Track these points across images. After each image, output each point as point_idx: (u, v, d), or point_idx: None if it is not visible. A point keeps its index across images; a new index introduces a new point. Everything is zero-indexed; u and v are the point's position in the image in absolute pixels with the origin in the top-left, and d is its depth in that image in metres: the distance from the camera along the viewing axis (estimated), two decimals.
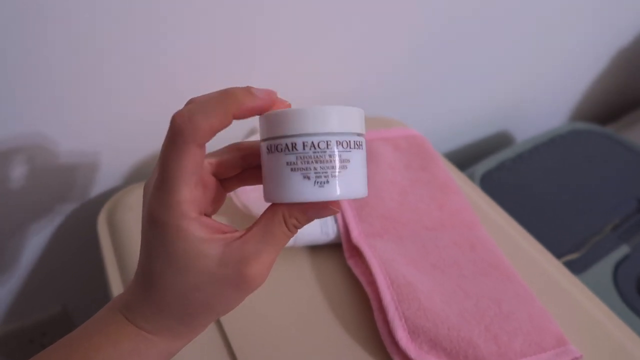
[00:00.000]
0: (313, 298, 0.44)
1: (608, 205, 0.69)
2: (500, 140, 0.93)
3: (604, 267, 0.61)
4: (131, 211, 0.51)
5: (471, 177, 0.72)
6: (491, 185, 0.71)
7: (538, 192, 0.71)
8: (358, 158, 0.25)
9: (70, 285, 0.64)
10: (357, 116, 0.25)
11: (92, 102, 0.48)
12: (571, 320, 0.43)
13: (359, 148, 0.25)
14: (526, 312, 0.41)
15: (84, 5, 0.40)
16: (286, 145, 0.24)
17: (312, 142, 0.24)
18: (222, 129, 0.24)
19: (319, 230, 0.46)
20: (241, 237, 0.26)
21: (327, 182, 0.24)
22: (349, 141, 0.24)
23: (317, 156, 0.24)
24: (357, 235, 0.46)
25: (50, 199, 0.53)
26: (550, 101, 0.96)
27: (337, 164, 0.24)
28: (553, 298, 0.45)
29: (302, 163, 0.24)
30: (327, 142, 0.24)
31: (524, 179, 0.73)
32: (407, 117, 0.69)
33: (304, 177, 0.24)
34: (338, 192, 0.24)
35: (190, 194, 0.25)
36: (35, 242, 0.57)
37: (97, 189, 0.56)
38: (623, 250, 0.63)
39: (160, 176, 0.25)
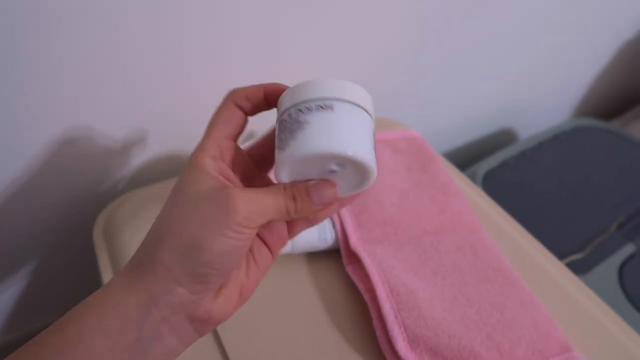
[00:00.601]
0: (311, 305, 0.43)
1: (613, 203, 0.68)
2: (502, 138, 0.92)
3: (609, 266, 0.60)
4: (127, 219, 0.51)
5: (473, 175, 0.71)
6: (494, 183, 0.70)
7: (542, 190, 0.70)
8: (320, 117, 0.27)
9: (69, 294, 0.63)
10: (321, 85, 0.27)
11: (89, 110, 0.47)
12: (575, 325, 0.43)
13: (323, 109, 0.27)
14: (529, 318, 0.40)
15: (90, 4, 0.40)
16: (281, 117, 0.28)
17: (290, 113, 0.27)
18: (255, 99, 0.29)
19: (316, 236, 0.46)
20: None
21: (287, 145, 0.26)
22: (310, 106, 0.27)
23: (285, 126, 0.27)
24: (356, 241, 0.45)
25: (47, 207, 0.53)
26: (553, 97, 0.95)
27: (295, 126, 0.27)
28: (557, 302, 0.44)
29: (280, 132, 0.28)
30: (289, 112, 0.27)
31: (527, 177, 0.72)
32: (407, 117, 0.68)
33: (280, 143, 0.27)
34: (295, 150, 0.26)
35: (220, 138, 0.29)
36: (33, 252, 0.56)
37: (93, 197, 0.55)
38: (629, 249, 0.62)
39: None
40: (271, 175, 0.32)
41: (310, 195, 0.28)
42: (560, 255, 0.53)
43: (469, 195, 0.55)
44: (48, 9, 0.38)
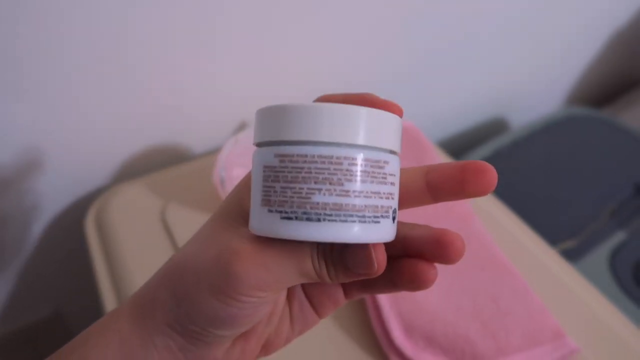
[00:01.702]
0: None
1: (605, 191, 0.68)
2: (495, 127, 0.92)
3: (601, 254, 0.60)
4: (118, 211, 0.50)
5: None
6: None
7: (534, 178, 0.71)
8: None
9: (62, 287, 0.63)
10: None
11: (80, 102, 0.47)
12: (568, 312, 0.43)
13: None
14: (523, 306, 0.40)
15: (80, 4, 0.39)
16: None
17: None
18: None
19: None
20: None
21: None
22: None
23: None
24: None
25: (38, 200, 0.53)
26: (545, 86, 0.95)
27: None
28: (549, 289, 0.45)
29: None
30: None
31: (520, 165, 0.73)
32: (400, 105, 0.68)
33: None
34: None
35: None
36: (25, 245, 0.56)
37: (85, 189, 0.55)
38: (620, 236, 0.62)
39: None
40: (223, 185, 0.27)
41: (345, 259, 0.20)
42: (553, 242, 0.54)
43: None
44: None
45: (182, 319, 0.21)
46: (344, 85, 0.64)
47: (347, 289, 0.24)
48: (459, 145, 0.87)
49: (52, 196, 0.53)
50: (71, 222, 0.55)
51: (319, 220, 0.17)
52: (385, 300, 0.40)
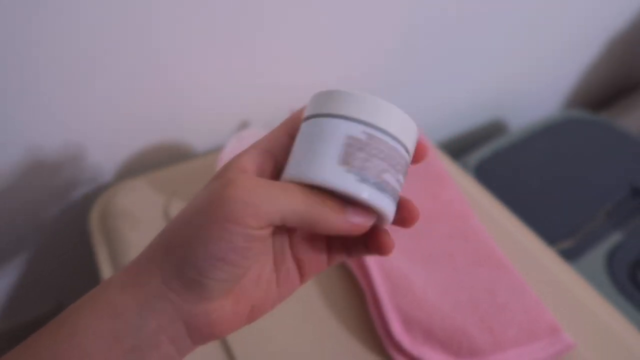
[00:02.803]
0: (307, 290, 0.44)
1: (601, 192, 0.69)
2: (494, 129, 0.93)
3: (598, 254, 0.61)
4: (123, 206, 0.51)
5: (465, 166, 0.72)
6: (485, 174, 0.71)
7: (532, 179, 0.72)
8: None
9: (65, 280, 0.63)
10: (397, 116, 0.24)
11: (84, 99, 0.47)
12: (565, 309, 0.44)
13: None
14: (520, 302, 0.41)
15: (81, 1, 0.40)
16: None
17: (371, 134, 0.23)
18: None
19: None
20: None
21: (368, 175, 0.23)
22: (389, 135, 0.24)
23: (367, 148, 0.24)
24: None
25: (42, 195, 0.53)
26: (544, 89, 0.96)
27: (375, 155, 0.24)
28: (546, 287, 0.45)
29: (355, 149, 0.24)
30: (375, 134, 0.24)
31: (518, 166, 0.73)
32: (401, 107, 0.69)
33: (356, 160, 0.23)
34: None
35: (257, 156, 0.24)
36: (29, 239, 0.56)
37: (89, 185, 0.55)
38: (616, 237, 0.63)
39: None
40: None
41: (345, 209, 0.22)
42: (550, 242, 0.54)
43: (462, 185, 0.55)
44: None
45: (178, 267, 0.22)
46: (343, 84, 0.65)
47: (330, 253, 0.26)
48: (459, 147, 0.88)
49: (56, 192, 0.54)
50: (75, 218, 0.56)
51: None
52: (384, 294, 0.40)
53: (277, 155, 0.25)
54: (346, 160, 0.22)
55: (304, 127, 0.23)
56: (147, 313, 0.22)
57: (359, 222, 0.23)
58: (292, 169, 0.23)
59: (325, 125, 0.23)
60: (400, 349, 0.38)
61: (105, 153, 0.54)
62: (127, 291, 0.22)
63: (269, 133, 0.25)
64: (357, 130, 0.22)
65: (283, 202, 0.21)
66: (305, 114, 0.24)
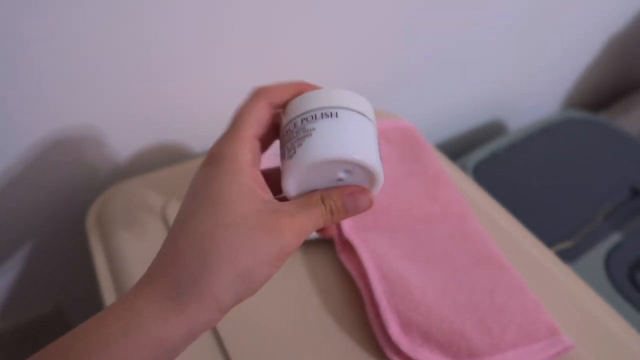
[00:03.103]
0: (305, 292, 0.44)
1: (600, 193, 0.69)
2: (492, 130, 0.93)
3: (597, 255, 0.61)
4: (120, 208, 0.51)
5: (464, 167, 0.72)
6: (484, 175, 0.71)
7: (531, 180, 0.71)
8: (325, 125, 0.27)
9: (63, 283, 0.63)
10: (325, 94, 0.28)
11: (80, 99, 0.47)
12: (564, 310, 0.44)
13: (328, 117, 0.27)
14: (519, 303, 0.41)
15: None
16: (287, 126, 0.28)
17: (295, 123, 0.27)
18: (291, 94, 0.28)
19: None
20: (282, 198, 0.27)
21: (295, 153, 0.26)
22: (315, 114, 0.27)
23: (290, 136, 0.27)
24: (349, 229, 0.46)
25: (40, 196, 0.53)
26: (542, 89, 0.96)
27: (302, 135, 0.26)
28: (545, 289, 0.45)
29: (285, 141, 0.28)
30: (294, 122, 0.27)
31: (517, 167, 0.73)
32: (398, 108, 0.69)
33: (288, 152, 0.27)
34: (302, 158, 0.26)
35: (250, 138, 0.27)
36: (26, 240, 0.56)
37: (87, 185, 0.55)
38: (615, 238, 0.63)
39: (229, 125, 0.27)
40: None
41: (346, 206, 0.27)
42: (549, 243, 0.54)
43: (460, 185, 0.55)
44: None
45: (243, 295, 0.24)
46: (344, 86, 0.65)
47: None
48: (457, 148, 0.88)
49: (53, 193, 0.54)
50: (72, 219, 0.56)
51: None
52: (382, 296, 0.40)
53: (262, 132, 0.28)
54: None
55: (309, 123, 0.27)
56: (189, 342, 0.24)
57: (359, 206, 0.28)
58: (322, 151, 0.26)
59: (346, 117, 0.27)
60: (399, 352, 0.38)
61: (103, 154, 0.54)
62: (171, 325, 0.22)
63: (251, 109, 0.28)
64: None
65: (312, 229, 0.26)
66: (303, 111, 0.27)
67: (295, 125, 0.27)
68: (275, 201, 0.26)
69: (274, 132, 0.30)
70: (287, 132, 0.27)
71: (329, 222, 0.27)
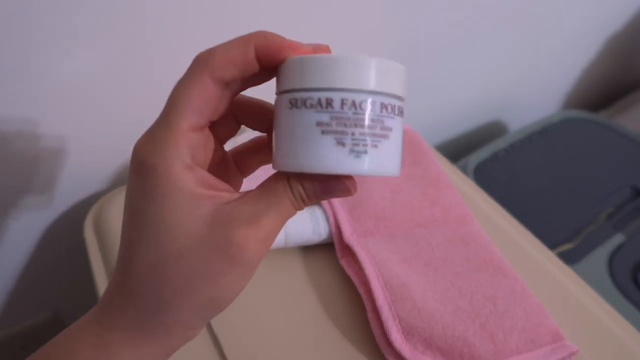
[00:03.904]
0: (305, 299, 0.43)
1: (602, 194, 0.68)
2: (492, 130, 0.93)
3: (599, 256, 0.61)
4: (117, 214, 0.50)
5: (464, 168, 0.71)
6: (484, 176, 0.70)
7: (532, 181, 0.71)
8: (400, 127, 0.21)
9: (61, 289, 0.63)
10: (403, 75, 0.21)
11: (76, 104, 0.47)
12: (567, 314, 0.43)
13: (401, 116, 0.21)
14: (521, 308, 0.40)
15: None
16: (319, 100, 0.19)
17: (354, 101, 0.19)
18: (244, 64, 0.20)
19: (310, 230, 0.45)
20: (239, 198, 0.21)
21: (365, 152, 0.19)
22: (394, 105, 0.20)
23: (357, 119, 0.19)
24: (349, 235, 0.45)
25: (36, 203, 0.52)
26: (542, 89, 0.95)
27: (379, 131, 0.20)
28: (548, 292, 0.45)
29: (337, 125, 0.19)
30: (372, 102, 0.19)
31: (518, 168, 0.73)
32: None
33: (338, 142, 0.19)
34: (376, 166, 0.20)
35: (190, 132, 0.21)
36: (23, 247, 0.56)
37: (83, 192, 0.55)
38: (618, 239, 0.62)
39: (162, 112, 0.21)
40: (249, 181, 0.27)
41: (317, 191, 0.22)
42: (551, 245, 0.54)
43: (461, 188, 0.55)
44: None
45: (212, 316, 0.22)
46: None
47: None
48: (457, 149, 0.88)
49: (51, 200, 0.53)
50: (70, 226, 0.55)
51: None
52: (383, 302, 0.40)
53: (209, 118, 0.21)
54: (340, 140, 0.19)
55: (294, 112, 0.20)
56: None
57: (334, 194, 0.22)
58: (294, 160, 0.20)
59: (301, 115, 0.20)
60: (401, 359, 0.38)
61: (100, 160, 0.53)
62: (144, 355, 0.22)
63: (188, 91, 0.21)
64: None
65: (280, 226, 0.21)
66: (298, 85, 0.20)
67: (363, 105, 0.19)
68: (230, 203, 0.21)
69: (241, 111, 0.24)
70: (349, 106, 0.19)
71: (299, 209, 0.22)
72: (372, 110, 0.19)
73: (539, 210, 0.66)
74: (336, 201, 0.47)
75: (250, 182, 0.26)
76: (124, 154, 0.54)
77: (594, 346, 0.41)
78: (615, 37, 0.95)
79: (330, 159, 0.19)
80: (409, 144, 0.56)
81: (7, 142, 0.46)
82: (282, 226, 0.21)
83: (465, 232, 0.47)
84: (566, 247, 0.62)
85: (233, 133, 0.26)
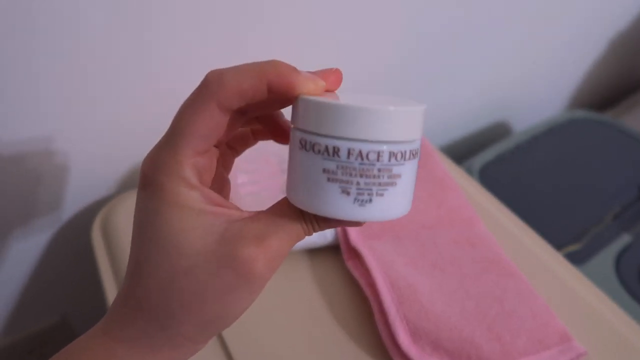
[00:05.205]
0: (312, 301, 0.43)
1: (608, 194, 0.68)
2: (497, 132, 0.93)
3: (606, 257, 0.60)
4: (125, 219, 0.51)
5: (469, 170, 0.71)
6: (490, 177, 0.70)
7: (537, 182, 0.71)
8: (411, 170, 0.21)
9: (69, 294, 0.63)
10: (419, 118, 0.21)
11: (83, 110, 0.47)
12: (574, 315, 0.43)
13: (414, 158, 0.20)
14: (528, 309, 0.40)
15: (69, 7, 0.39)
16: (326, 148, 0.19)
17: (360, 151, 0.19)
18: (253, 96, 0.21)
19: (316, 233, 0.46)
20: (249, 217, 0.21)
21: (370, 201, 0.20)
22: (405, 152, 0.20)
23: (363, 169, 0.19)
24: (355, 237, 0.45)
25: (44, 208, 0.53)
26: (547, 89, 0.95)
27: (386, 180, 0.20)
28: (555, 292, 0.45)
29: (342, 174, 0.19)
30: (378, 152, 0.19)
31: (523, 169, 0.73)
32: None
33: (343, 191, 0.20)
34: (380, 213, 0.20)
35: (195, 157, 0.21)
36: (31, 252, 0.56)
37: (91, 197, 0.55)
38: (624, 239, 0.62)
39: (167, 132, 0.22)
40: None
41: (330, 226, 0.22)
42: (557, 246, 0.54)
43: (466, 189, 0.55)
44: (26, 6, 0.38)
45: (217, 331, 0.23)
46: (343, 88, 0.64)
47: (255, 134, 0.27)
48: (462, 150, 0.88)
49: (58, 205, 0.53)
50: (78, 230, 0.56)
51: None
52: (390, 304, 0.40)
53: (212, 143, 0.22)
54: (345, 189, 0.20)
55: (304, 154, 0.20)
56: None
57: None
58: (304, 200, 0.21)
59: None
60: None
61: (107, 166, 0.53)
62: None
63: (194, 117, 0.21)
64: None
65: (289, 247, 0.22)
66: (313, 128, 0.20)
67: (369, 156, 0.19)
68: (240, 221, 0.21)
69: (244, 136, 0.25)
70: (355, 156, 0.19)
71: (308, 234, 0.22)
72: (379, 161, 0.19)
73: (545, 211, 0.66)
74: None
75: (257, 205, 0.26)
76: (131, 160, 0.54)
77: (601, 347, 0.41)
78: (620, 36, 0.95)
79: (335, 206, 0.20)
80: None
81: (15, 148, 0.46)
82: (290, 249, 0.22)
83: (472, 234, 0.47)
84: (573, 247, 0.61)
85: (250, 146, 0.27)
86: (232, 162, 0.28)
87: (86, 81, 0.45)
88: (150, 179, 0.21)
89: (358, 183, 0.19)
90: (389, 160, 0.19)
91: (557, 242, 0.57)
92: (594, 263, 0.60)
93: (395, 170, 0.20)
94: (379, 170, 0.19)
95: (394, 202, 0.20)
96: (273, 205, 0.22)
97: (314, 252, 0.47)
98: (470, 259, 0.45)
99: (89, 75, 0.45)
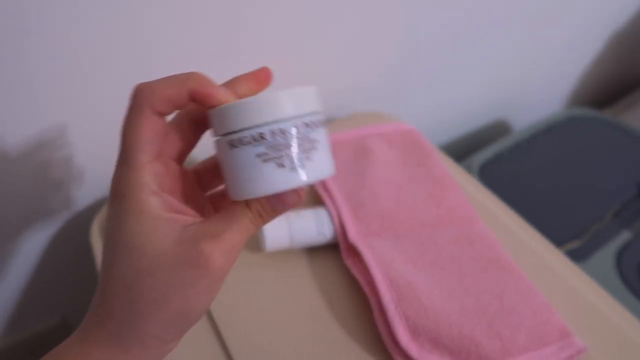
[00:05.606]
0: (311, 299, 0.43)
1: (608, 192, 0.68)
2: (497, 130, 0.93)
3: (606, 254, 0.60)
4: None
5: (469, 168, 0.71)
6: (489, 175, 0.70)
7: (537, 180, 0.71)
8: (325, 135, 0.25)
9: (69, 295, 0.63)
10: (313, 94, 0.25)
11: (82, 110, 0.47)
12: (575, 312, 0.43)
13: (322, 127, 0.25)
14: (528, 306, 0.40)
15: (66, 9, 0.39)
16: (252, 137, 0.23)
17: (280, 129, 0.23)
18: (179, 102, 0.24)
19: (315, 231, 0.46)
20: (203, 220, 0.24)
21: (303, 166, 0.24)
22: (314, 121, 0.25)
23: (288, 142, 0.23)
24: (354, 235, 0.45)
25: (43, 209, 0.53)
26: (546, 88, 0.95)
27: (309, 145, 0.24)
28: (555, 290, 0.44)
29: (274, 152, 0.23)
30: (295, 125, 0.24)
31: (523, 167, 0.73)
32: (401, 110, 0.68)
33: (279, 165, 0.23)
34: (314, 173, 0.24)
35: (150, 162, 0.24)
36: (30, 253, 0.56)
37: (91, 197, 0.55)
38: (625, 236, 0.62)
39: (119, 148, 0.25)
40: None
41: (274, 206, 0.25)
42: (557, 243, 0.54)
43: (466, 187, 0.55)
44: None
45: (184, 329, 0.24)
46: (344, 87, 0.64)
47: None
48: (461, 149, 0.88)
49: (58, 205, 0.54)
50: (77, 231, 0.56)
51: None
52: (390, 302, 0.40)
53: (161, 145, 0.25)
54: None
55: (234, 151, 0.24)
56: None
57: (287, 206, 0.26)
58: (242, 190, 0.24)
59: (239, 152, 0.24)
60: (408, 358, 0.38)
61: (107, 166, 0.53)
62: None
63: (136, 128, 0.24)
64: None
65: (243, 240, 0.24)
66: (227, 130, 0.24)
67: (290, 130, 0.23)
68: (195, 223, 0.24)
69: (193, 128, 0.28)
70: (278, 134, 0.23)
71: (260, 225, 0.25)
72: (297, 132, 0.24)
73: (545, 209, 0.65)
74: (341, 202, 0.48)
75: None
76: None
77: (602, 344, 0.41)
78: (620, 34, 0.95)
79: (276, 180, 0.24)
80: (413, 145, 0.56)
81: (15, 149, 0.46)
82: (244, 242, 0.24)
83: (471, 232, 0.47)
84: (573, 245, 0.61)
85: (220, 183, 0.30)
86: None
87: (86, 81, 0.45)
88: (115, 191, 0.24)
89: (288, 154, 0.23)
90: (305, 129, 0.24)
91: (557, 239, 0.57)
92: (595, 260, 0.60)
93: (312, 136, 0.24)
94: (300, 139, 0.24)
95: (320, 163, 0.24)
96: (223, 209, 0.25)
97: (313, 251, 0.47)
98: (469, 258, 0.45)
99: (89, 76, 0.45)
